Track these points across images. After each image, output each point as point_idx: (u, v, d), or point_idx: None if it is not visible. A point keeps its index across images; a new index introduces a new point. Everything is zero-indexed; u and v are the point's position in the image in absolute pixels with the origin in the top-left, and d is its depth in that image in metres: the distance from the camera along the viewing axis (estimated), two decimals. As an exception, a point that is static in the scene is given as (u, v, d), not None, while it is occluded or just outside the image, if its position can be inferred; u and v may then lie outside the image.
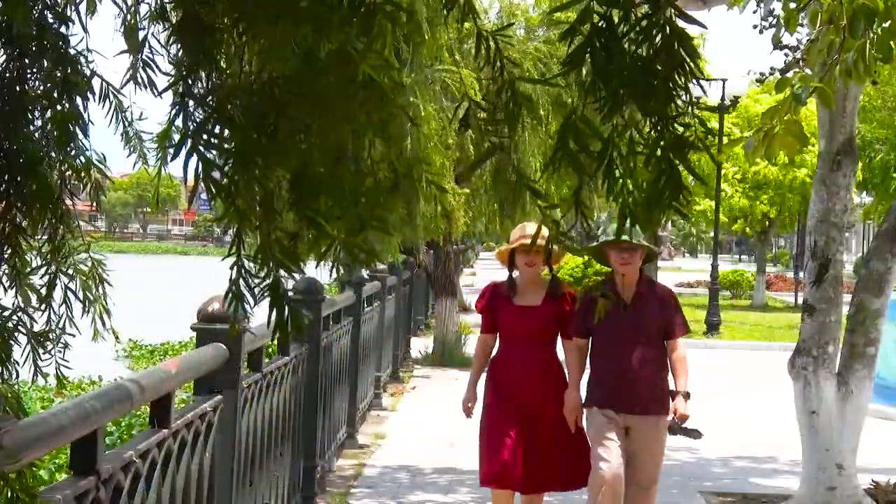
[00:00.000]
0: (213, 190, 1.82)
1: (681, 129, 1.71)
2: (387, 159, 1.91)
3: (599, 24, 1.65)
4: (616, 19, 1.67)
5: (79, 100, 2.18)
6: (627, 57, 1.65)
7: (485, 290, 5.77)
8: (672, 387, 5.46)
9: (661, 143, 1.69)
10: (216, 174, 1.82)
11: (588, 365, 5.53)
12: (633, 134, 1.71)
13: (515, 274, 5.65)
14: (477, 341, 5.85)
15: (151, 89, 2.11)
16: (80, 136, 2.19)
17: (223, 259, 1.88)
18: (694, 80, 1.69)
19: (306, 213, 1.79)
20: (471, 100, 1.94)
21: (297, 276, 1.93)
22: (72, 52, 2.17)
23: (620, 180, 1.71)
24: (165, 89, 1.87)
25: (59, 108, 2.14)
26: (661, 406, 5.37)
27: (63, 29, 2.13)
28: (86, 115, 2.19)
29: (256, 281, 1.88)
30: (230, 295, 1.86)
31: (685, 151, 1.70)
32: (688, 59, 1.67)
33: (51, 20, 2.12)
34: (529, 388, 5.50)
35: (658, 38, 1.65)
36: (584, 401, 5.43)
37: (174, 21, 1.90)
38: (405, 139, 1.95)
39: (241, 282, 1.85)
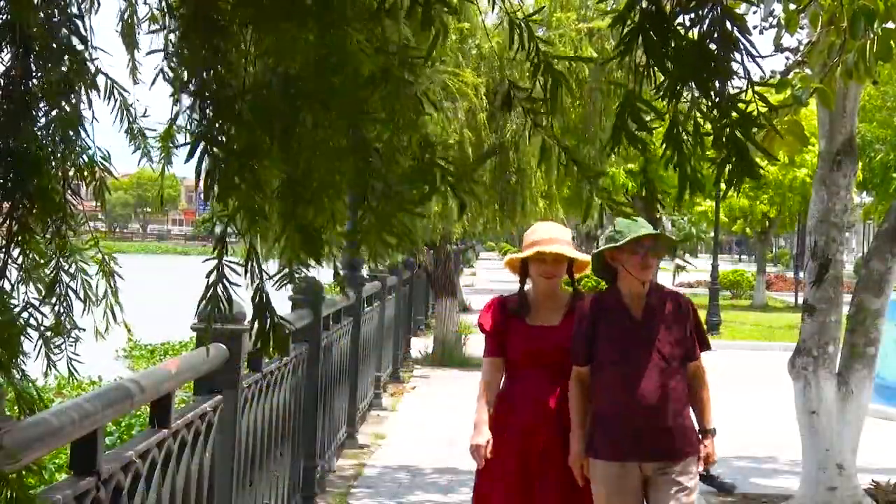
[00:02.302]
0: (221, 188, 1.82)
1: (742, 106, 1.72)
2: (411, 147, 1.93)
3: (649, 9, 1.66)
4: (664, 2, 1.68)
5: (84, 97, 2.18)
6: (681, 40, 1.66)
7: (490, 306, 4.67)
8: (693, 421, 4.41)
9: (726, 121, 1.70)
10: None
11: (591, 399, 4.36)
12: (697, 114, 1.72)
13: (528, 287, 4.61)
14: (483, 367, 4.71)
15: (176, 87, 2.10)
16: (84, 134, 2.19)
17: (205, 261, 1.88)
18: (750, 58, 1.69)
19: (295, 221, 1.80)
20: (510, 82, 1.96)
21: (305, 271, 1.93)
22: (79, 47, 2.17)
23: (686, 156, 1.72)
24: (182, 88, 1.86)
25: (64, 106, 2.14)
26: (688, 446, 4.27)
27: (73, 27, 2.13)
28: (90, 113, 2.19)
29: (235, 285, 1.89)
30: (208, 298, 1.86)
31: (750, 129, 1.71)
32: (741, 37, 1.67)
33: (60, 19, 2.11)
34: (542, 426, 4.45)
35: (708, 19, 1.66)
36: (586, 447, 4.30)
37: (184, 19, 1.90)
38: (425, 127, 1.97)
39: (220, 286, 1.85)
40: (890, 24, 4.36)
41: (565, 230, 4.70)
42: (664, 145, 1.72)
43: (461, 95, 11.61)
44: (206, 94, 1.85)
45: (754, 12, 5.25)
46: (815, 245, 6.98)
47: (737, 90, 1.73)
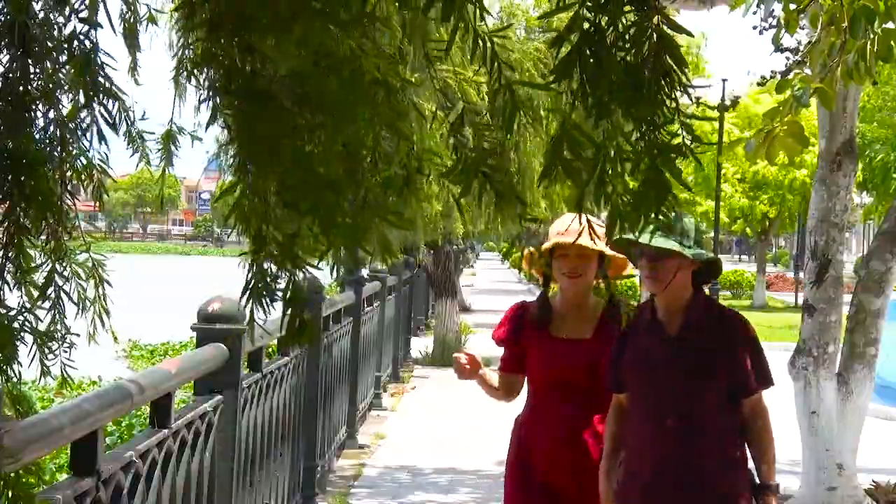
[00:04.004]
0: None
1: (668, 136, 1.71)
2: (398, 155, 1.91)
3: (589, 31, 1.65)
4: (604, 26, 1.67)
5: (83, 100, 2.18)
6: (616, 64, 1.65)
7: (508, 313, 3.96)
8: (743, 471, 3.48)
9: (649, 149, 1.69)
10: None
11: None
12: (621, 140, 1.71)
13: (553, 292, 3.88)
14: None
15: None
16: (92, 136, 2.19)
17: (241, 255, 1.87)
18: (681, 88, 1.69)
19: (309, 215, 1.79)
20: (465, 103, 1.90)
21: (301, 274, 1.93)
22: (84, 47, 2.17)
23: (610, 186, 1.71)
24: (210, 87, 1.86)
25: (62, 108, 2.15)
26: (730, 501, 3.42)
27: (87, 30, 2.13)
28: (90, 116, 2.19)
29: (272, 282, 1.88)
30: (248, 294, 1.85)
31: (671, 158, 1.70)
32: (675, 68, 1.67)
33: (79, 27, 2.12)
34: (565, 461, 3.72)
35: (646, 46, 1.65)
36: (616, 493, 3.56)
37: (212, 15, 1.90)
38: (414, 135, 1.96)
39: (259, 280, 1.84)
40: (890, 25, 4.36)
41: (596, 222, 3.87)
42: (593, 176, 1.70)
43: (462, 94, 11.61)
44: (239, 89, 1.83)
45: (754, 13, 5.24)
46: (815, 245, 6.98)
47: (665, 120, 1.72)
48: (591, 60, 1.64)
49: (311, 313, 1.96)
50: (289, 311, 1.88)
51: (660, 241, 3.38)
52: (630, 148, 1.70)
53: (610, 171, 1.69)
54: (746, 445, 3.45)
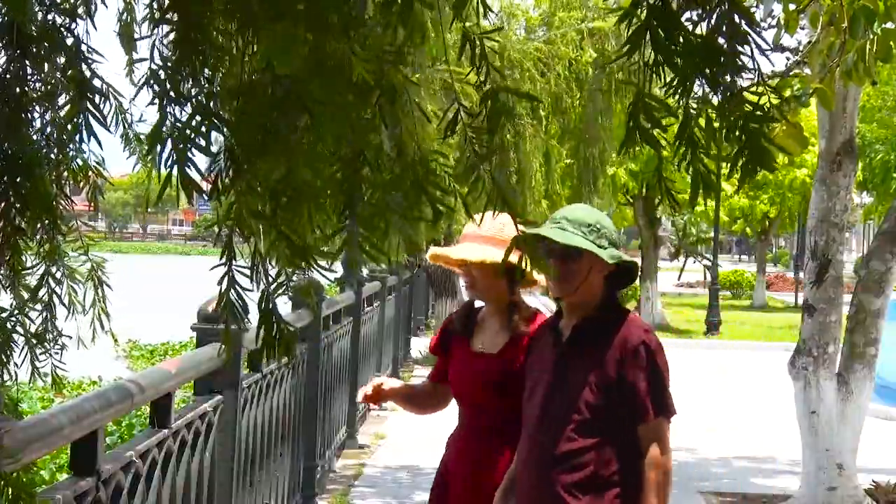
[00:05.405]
0: (189, 190, 1.80)
1: (754, 98, 1.72)
2: (404, 155, 1.91)
3: (656, 5, 1.65)
4: None
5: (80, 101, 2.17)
6: (689, 35, 1.66)
7: (443, 322, 3.71)
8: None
9: (738, 115, 1.69)
10: (195, 175, 1.82)
11: None
12: (708, 110, 1.71)
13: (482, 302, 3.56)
14: None
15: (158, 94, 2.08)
16: (84, 136, 2.19)
17: (212, 269, 1.84)
18: (759, 51, 1.70)
19: (280, 227, 1.79)
20: (460, 104, 1.89)
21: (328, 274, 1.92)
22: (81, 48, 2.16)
23: (699, 156, 1.71)
24: (139, 88, 1.85)
25: (59, 109, 2.15)
26: None
27: (72, 26, 2.12)
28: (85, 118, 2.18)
29: (248, 292, 1.87)
30: (223, 304, 1.84)
31: (762, 121, 1.71)
32: (749, 31, 1.67)
33: (59, 20, 2.11)
34: (477, 485, 3.34)
35: (717, 12, 1.66)
36: None
37: (168, 21, 1.90)
38: (417, 134, 1.96)
39: (233, 292, 1.83)
40: (890, 25, 4.36)
41: (502, 224, 3.15)
42: (677, 143, 1.71)
43: (463, 94, 11.63)
44: (186, 97, 1.83)
45: (753, 12, 5.24)
46: (815, 245, 6.98)
47: (747, 84, 1.73)
48: (661, 33, 1.64)
49: (291, 326, 1.92)
50: (265, 324, 1.87)
51: (570, 238, 3.06)
52: (720, 117, 1.70)
53: (702, 142, 1.69)
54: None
